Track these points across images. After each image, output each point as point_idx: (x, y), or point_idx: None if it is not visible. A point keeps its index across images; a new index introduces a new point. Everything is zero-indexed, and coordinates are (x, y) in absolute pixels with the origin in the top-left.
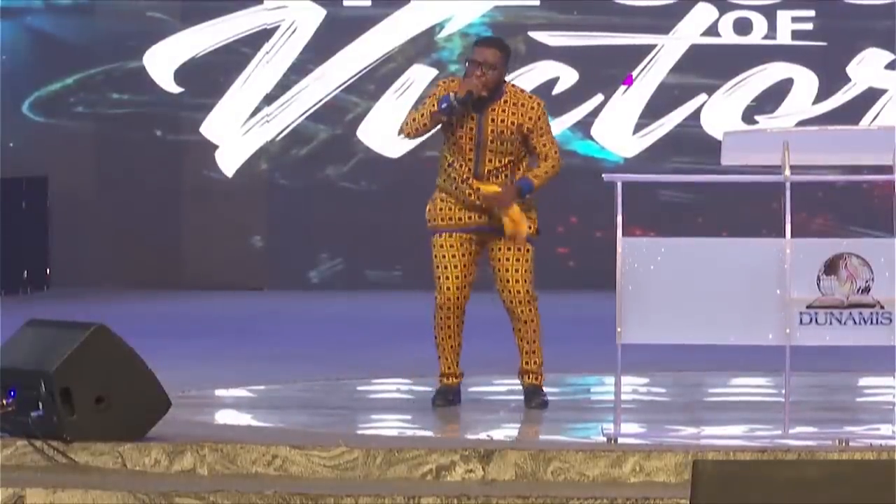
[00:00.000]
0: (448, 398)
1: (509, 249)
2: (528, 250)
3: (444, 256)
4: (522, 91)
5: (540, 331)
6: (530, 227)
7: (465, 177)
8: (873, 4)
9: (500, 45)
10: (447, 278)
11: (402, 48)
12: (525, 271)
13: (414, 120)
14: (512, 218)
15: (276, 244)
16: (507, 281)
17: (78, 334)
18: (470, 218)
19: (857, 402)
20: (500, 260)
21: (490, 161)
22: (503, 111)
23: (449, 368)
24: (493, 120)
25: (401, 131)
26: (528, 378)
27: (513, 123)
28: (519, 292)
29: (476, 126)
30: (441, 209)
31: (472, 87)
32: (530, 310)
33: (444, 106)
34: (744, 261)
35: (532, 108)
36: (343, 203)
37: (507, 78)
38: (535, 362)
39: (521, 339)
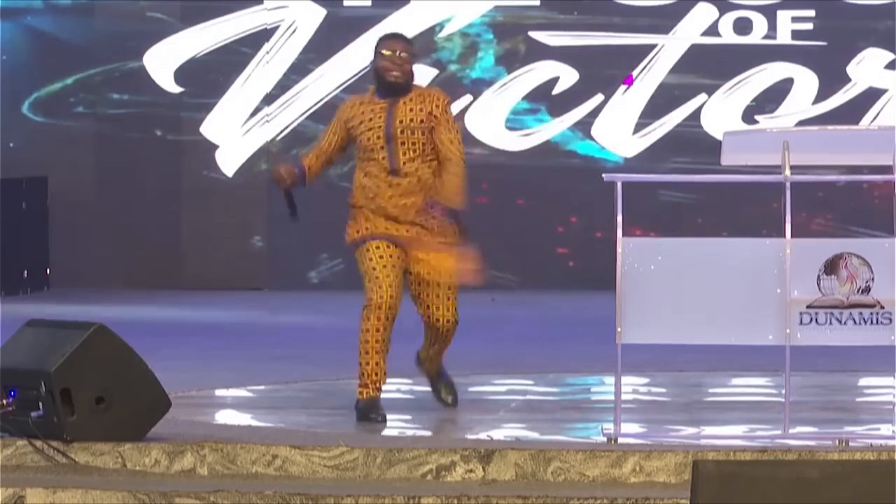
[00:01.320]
0: (381, 412)
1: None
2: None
3: (379, 258)
4: (427, 87)
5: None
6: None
7: (383, 177)
8: (873, 4)
9: (407, 38)
10: (387, 277)
11: None
12: (455, 297)
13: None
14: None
15: (276, 244)
16: (438, 308)
17: (78, 334)
18: (396, 230)
19: (857, 403)
20: (425, 281)
21: (404, 154)
22: (411, 104)
23: (377, 375)
24: (402, 113)
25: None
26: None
27: (421, 111)
28: (448, 321)
29: (385, 121)
30: (364, 222)
31: (389, 77)
32: (453, 332)
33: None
34: (744, 261)
35: (437, 97)
36: (343, 203)
37: (508, 77)
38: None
39: (436, 348)
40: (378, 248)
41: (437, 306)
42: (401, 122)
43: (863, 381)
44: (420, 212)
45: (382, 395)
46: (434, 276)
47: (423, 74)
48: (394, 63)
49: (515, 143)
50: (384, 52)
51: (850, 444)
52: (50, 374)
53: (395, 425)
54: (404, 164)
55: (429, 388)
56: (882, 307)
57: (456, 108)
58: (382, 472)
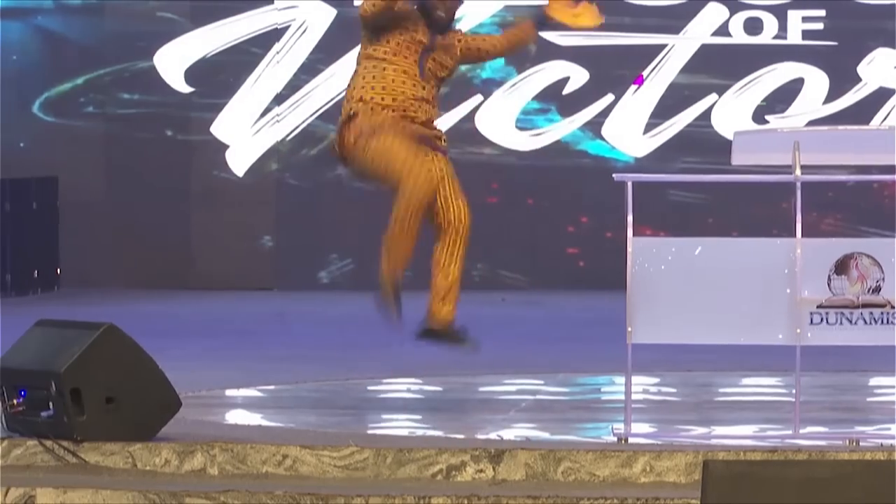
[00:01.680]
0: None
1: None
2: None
3: (404, 146)
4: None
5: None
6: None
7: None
8: (884, 4)
9: None
10: (422, 163)
11: None
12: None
13: (374, 5)
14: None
15: (286, 244)
16: (455, 197)
17: (88, 334)
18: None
19: (868, 403)
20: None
21: (430, 68)
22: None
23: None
24: (442, 45)
25: (363, 12)
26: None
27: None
28: (467, 214)
29: (429, 38)
30: (382, 112)
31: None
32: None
33: None
34: (754, 261)
35: (456, 36)
36: (353, 203)
37: (518, 77)
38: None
39: (448, 253)
40: (408, 145)
41: (454, 202)
42: (441, 45)
43: (873, 381)
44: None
45: (392, 395)
46: (448, 171)
47: None
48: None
49: (526, 142)
50: None
51: (861, 444)
52: (60, 374)
53: (406, 425)
54: (427, 78)
55: (438, 388)
56: (893, 307)
57: (466, 107)
58: (392, 472)
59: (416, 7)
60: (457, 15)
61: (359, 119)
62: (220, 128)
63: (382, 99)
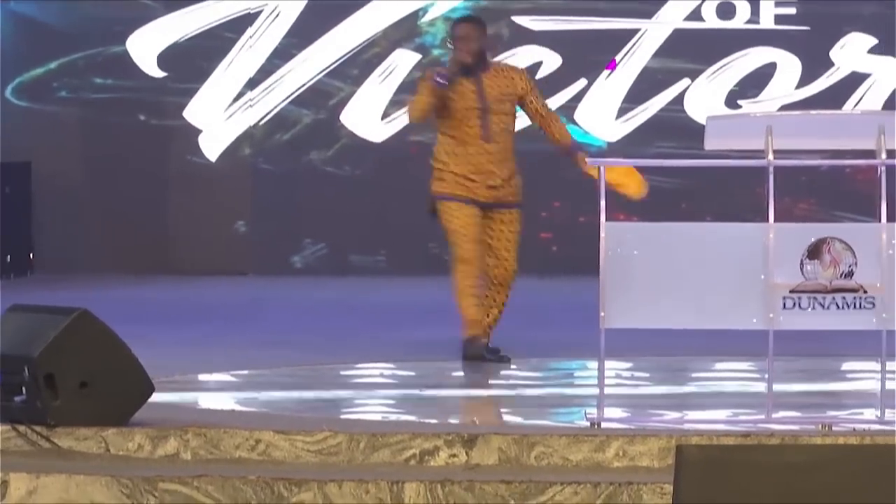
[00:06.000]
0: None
1: (504, 223)
2: (518, 224)
3: (456, 218)
4: (505, 63)
5: None
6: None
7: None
8: None
9: (475, 20)
10: (465, 236)
11: (385, 32)
12: (516, 247)
13: (415, 101)
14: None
15: (260, 229)
16: (506, 255)
17: (61, 319)
18: (479, 193)
19: (841, 387)
20: (499, 233)
21: (496, 123)
22: (496, 79)
23: (478, 316)
24: (489, 87)
25: (410, 118)
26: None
27: (507, 87)
28: (513, 268)
29: (477, 93)
30: (452, 181)
31: (461, 58)
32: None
33: (440, 80)
34: (727, 245)
35: (520, 75)
36: (327, 188)
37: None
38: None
39: (497, 304)
40: (461, 208)
41: (505, 256)
42: (491, 94)
43: (846, 366)
44: (503, 175)
45: (366, 380)
46: (507, 226)
47: (406, 59)
48: (461, 50)
49: None
50: (455, 34)
51: (833, 428)
52: (33, 359)
53: (379, 410)
54: (494, 133)
55: (411, 372)
56: (865, 292)
57: None
58: (366, 457)
59: (453, 80)
60: (480, 48)
61: (433, 186)
62: (194, 113)
63: (447, 166)
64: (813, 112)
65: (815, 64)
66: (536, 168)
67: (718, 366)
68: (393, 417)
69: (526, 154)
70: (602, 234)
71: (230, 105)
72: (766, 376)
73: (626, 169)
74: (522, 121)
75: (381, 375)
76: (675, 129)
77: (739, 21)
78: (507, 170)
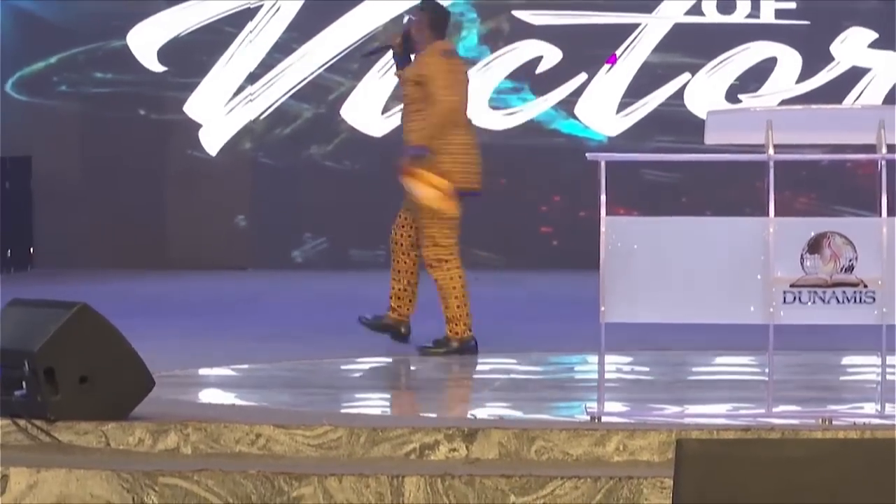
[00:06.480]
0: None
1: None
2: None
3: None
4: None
5: (446, 291)
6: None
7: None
8: None
9: (422, 4)
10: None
11: (384, 27)
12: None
13: None
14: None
15: (260, 224)
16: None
17: (61, 314)
18: None
19: (841, 381)
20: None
21: (406, 111)
22: (412, 66)
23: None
24: (405, 74)
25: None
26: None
27: (410, 71)
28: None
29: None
30: None
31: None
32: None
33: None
34: (728, 240)
35: (428, 58)
36: (327, 182)
37: (491, 56)
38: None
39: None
40: None
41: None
42: (402, 81)
43: (846, 360)
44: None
45: (366, 375)
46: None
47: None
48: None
49: (499, 122)
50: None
51: (834, 422)
52: (34, 354)
53: (379, 404)
54: (406, 121)
55: (412, 367)
56: (865, 286)
57: None
58: (366, 451)
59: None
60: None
61: None
62: (194, 107)
63: None
64: (813, 106)
65: (815, 58)
66: (536, 163)
67: (718, 360)
68: (393, 412)
69: (525, 149)
70: (602, 229)
71: (230, 99)
72: (767, 370)
73: (437, 182)
74: (524, 115)
75: (382, 370)
76: (675, 123)
77: (740, 15)
78: (409, 139)
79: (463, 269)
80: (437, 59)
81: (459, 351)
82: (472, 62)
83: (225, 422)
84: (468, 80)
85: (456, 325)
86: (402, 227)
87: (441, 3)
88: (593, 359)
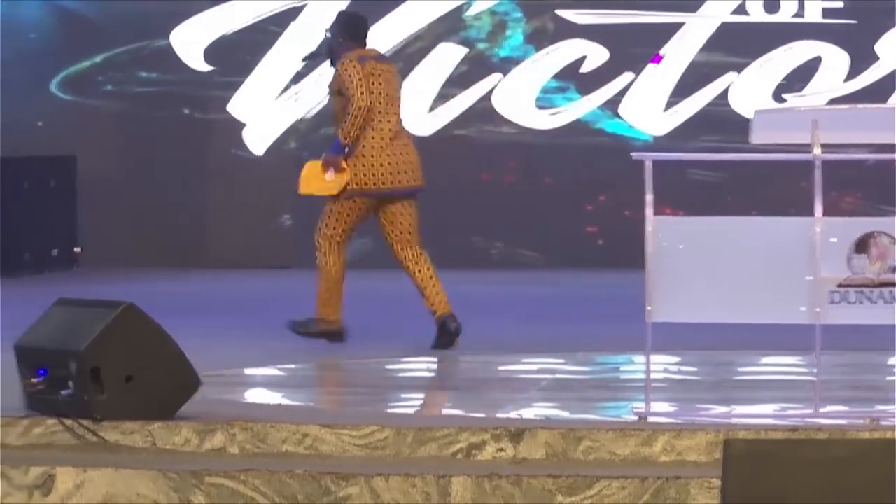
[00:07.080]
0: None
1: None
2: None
3: None
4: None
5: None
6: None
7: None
8: None
9: (336, 16)
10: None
11: (430, 26)
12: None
13: None
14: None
15: (305, 223)
16: None
17: (107, 313)
18: None
19: (888, 381)
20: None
21: (337, 121)
22: (333, 78)
23: None
24: (331, 87)
25: None
26: None
27: (334, 84)
28: None
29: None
30: None
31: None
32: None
33: None
34: (773, 239)
35: (342, 67)
36: None
37: (535, 57)
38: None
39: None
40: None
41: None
42: (328, 93)
43: (893, 360)
44: None
45: (412, 374)
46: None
47: (451, 52)
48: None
49: (544, 121)
50: None
51: (881, 423)
52: (80, 353)
53: (425, 404)
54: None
55: (458, 366)
56: None
57: (485, 86)
58: (413, 451)
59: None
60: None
61: None
62: (238, 106)
63: None
64: (859, 106)
65: (861, 57)
66: (581, 162)
67: (765, 360)
68: (440, 412)
69: (570, 148)
70: (648, 228)
71: (276, 98)
72: (814, 370)
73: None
74: (569, 114)
75: (428, 370)
76: (720, 122)
77: (786, 15)
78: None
79: (340, 261)
80: (352, 65)
81: (321, 335)
82: (514, 61)
83: (271, 421)
84: (392, 81)
85: (323, 308)
86: (385, 232)
87: (356, 11)
88: (640, 359)
